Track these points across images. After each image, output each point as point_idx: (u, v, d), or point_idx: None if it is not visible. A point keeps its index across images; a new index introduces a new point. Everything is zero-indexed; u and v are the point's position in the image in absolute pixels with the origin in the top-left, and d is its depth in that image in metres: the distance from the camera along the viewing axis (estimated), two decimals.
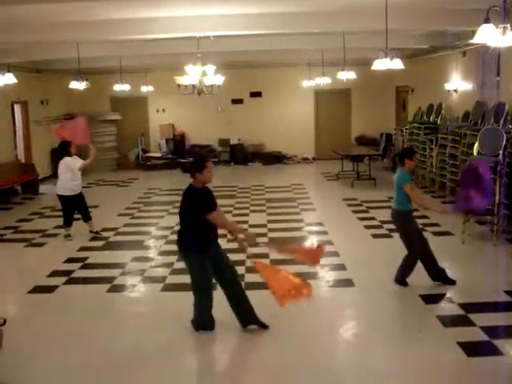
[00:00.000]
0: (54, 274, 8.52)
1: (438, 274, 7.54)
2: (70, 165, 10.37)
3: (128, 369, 5.64)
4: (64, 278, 8.27)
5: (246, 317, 6.33)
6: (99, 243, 10.26)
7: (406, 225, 7.51)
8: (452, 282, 7.52)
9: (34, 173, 16.18)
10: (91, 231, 10.81)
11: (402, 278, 7.58)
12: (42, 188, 16.18)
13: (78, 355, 5.93)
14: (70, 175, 10.38)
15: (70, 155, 10.42)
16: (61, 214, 10.78)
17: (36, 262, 9.45)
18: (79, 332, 6.57)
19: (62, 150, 10.56)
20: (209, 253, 6.11)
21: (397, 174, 7.55)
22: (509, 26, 4.89)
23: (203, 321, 6.31)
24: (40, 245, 10.32)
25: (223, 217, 6.54)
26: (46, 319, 6.90)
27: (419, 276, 7.72)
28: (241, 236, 6.31)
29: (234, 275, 6.34)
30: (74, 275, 8.46)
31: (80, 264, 8.98)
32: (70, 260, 9.23)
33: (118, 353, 5.97)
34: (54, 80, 18.30)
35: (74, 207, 10.65)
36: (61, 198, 10.55)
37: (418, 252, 7.45)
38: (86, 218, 10.82)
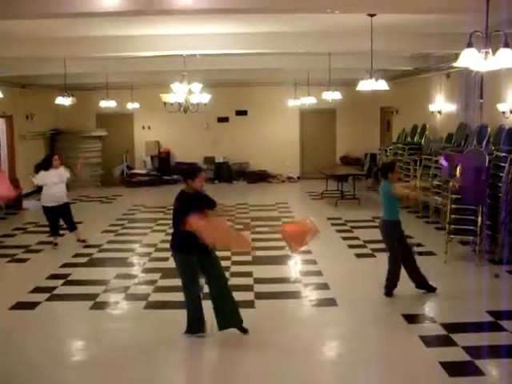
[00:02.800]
0: (37, 290, 8.45)
1: (421, 281, 7.86)
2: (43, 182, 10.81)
3: None
4: (46, 295, 8.21)
5: (224, 321, 6.60)
6: (83, 260, 10.20)
7: (391, 233, 7.82)
8: (433, 290, 7.88)
9: (18, 188, 16.04)
10: (78, 240, 11.05)
11: (389, 290, 7.81)
12: (26, 203, 16.08)
13: (59, 372, 5.89)
14: (50, 188, 10.71)
15: (46, 169, 10.77)
16: (44, 229, 10.89)
17: (18, 277, 9.37)
18: (60, 349, 6.53)
19: (43, 163, 10.94)
20: (194, 253, 6.39)
21: (382, 187, 7.91)
22: (490, 50, 4.98)
23: (194, 323, 6.56)
24: (23, 260, 10.25)
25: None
26: (28, 336, 6.83)
27: (402, 296, 7.80)
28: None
29: (221, 284, 6.62)
30: (56, 292, 8.40)
31: (63, 280, 8.92)
32: (52, 276, 9.16)
33: (100, 370, 5.92)
34: (39, 95, 18.27)
35: (59, 217, 10.95)
36: (43, 208, 10.97)
37: (400, 260, 7.77)
38: (71, 228, 11.09)
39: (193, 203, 6.37)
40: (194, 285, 6.56)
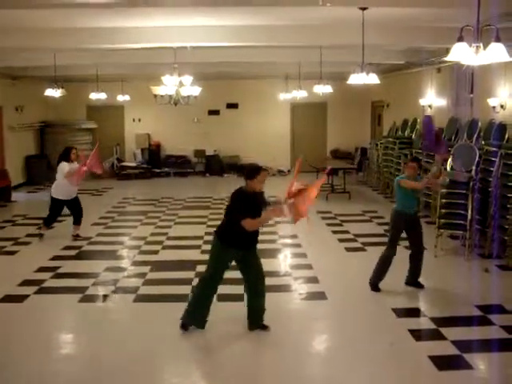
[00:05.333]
0: (25, 283, 8.40)
1: (413, 279, 7.99)
2: (62, 170, 10.62)
3: (98, 379, 5.59)
4: (35, 288, 8.16)
5: (252, 320, 6.60)
6: (72, 252, 10.16)
7: (394, 222, 7.92)
8: (421, 286, 7.98)
9: (7, 180, 15.98)
10: (73, 235, 11.02)
11: (372, 284, 7.89)
12: (15, 195, 15.99)
13: (48, 365, 5.88)
14: (63, 180, 10.57)
15: (67, 161, 10.64)
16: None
17: (7, 270, 9.31)
18: (49, 342, 6.50)
19: (62, 155, 10.78)
20: (235, 248, 6.36)
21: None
22: (481, 45, 4.97)
23: (195, 316, 6.51)
24: (11, 253, 10.19)
25: (255, 221, 6.35)
26: (16, 329, 6.80)
27: (391, 289, 7.82)
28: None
29: (258, 283, 6.59)
30: (45, 285, 8.36)
31: (52, 273, 8.88)
32: (41, 269, 9.11)
33: (88, 363, 5.91)
34: (29, 87, 18.16)
35: (69, 209, 10.94)
36: (52, 199, 10.83)
37: (390, 260, 7.82)
38: (77, 221, 11.03)
39: (250, 203, 6.23)
40: (215, 281, 6.47)
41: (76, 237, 10.97)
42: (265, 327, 6.58)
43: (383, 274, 7.87)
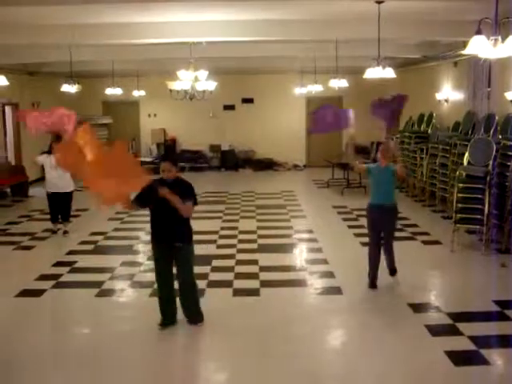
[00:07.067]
0: (42, 277, 8.47)
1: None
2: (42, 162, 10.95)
3: (114, 374, 5.62)
4: (52, 282, 8.22)
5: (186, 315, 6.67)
6: (88, 247, 10.22)
7: (366, 215, 8.14)
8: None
9: (24, 175, 16.10)
10: (64, 230, 11.12)
11: (369, 281, 7.83)
12: (32, 190, 16.09)
13: (65, 360, 5.91)
14: (49, 172, 10.78)
15: (49, 152, 10.72)
16: (50, 217, 11.02)
17: (24, 265, 9.39)
18: (66, 336, 6.54)
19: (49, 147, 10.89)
20: (163, 242, 6.43)
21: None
22: (500, 38, 4.92)
23: (161, 312, 6.61)
24: (29, 248, 10.27)
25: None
26: (33, 323, 6.85)
27: (407, 284, 7.78)
28: None
29: (181, 283, 6.60)
30: (62, 279, 8.41)
31: (68, 268, 8.94)
32: (58, 264, 9.18)
33: (105, 357, 5.94)
34: (45, 82, 18.23)
35: (58, 204, 10.96)
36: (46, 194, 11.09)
37: (371, 249, 7.91)
38: (64, 218, 11.12)
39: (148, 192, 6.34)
40: (158, 274, 6.58)
41: (65, 232, 11.07)
42: (195, 324, 6.58)
43: (374, 269, 7.83)
